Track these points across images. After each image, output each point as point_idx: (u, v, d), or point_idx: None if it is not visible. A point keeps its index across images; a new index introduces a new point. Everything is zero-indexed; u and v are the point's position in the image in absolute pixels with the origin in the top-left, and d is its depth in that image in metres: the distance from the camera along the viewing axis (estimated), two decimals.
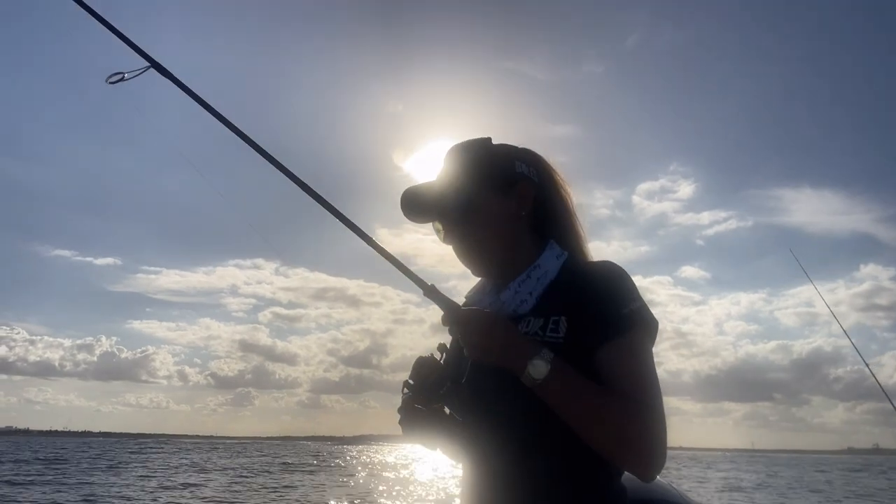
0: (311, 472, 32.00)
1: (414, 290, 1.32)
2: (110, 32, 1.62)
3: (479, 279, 1.47)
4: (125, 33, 1.63)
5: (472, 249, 1.39)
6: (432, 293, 1.31)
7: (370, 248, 1.37)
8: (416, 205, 1.40)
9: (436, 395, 1.34)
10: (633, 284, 1.29)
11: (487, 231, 1.36)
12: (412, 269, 1.35)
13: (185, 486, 22.24)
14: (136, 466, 32.96)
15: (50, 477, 24.72)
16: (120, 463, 36.14)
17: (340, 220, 1.40)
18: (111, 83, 1.60)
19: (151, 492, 20.08)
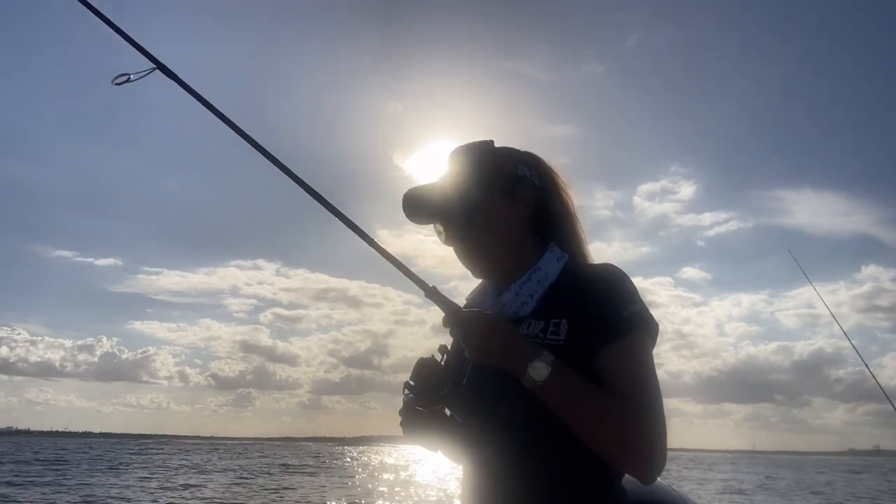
0: (311, 474, 31.99)
1: (415, 292, 1.32)
2: (114, 33, 1.62)
3: (479, 281, 1.47)
4: (128, 34, 1.63)
5: (473, 251, 1.39)
6: (434, 294, 1.31)
7: (372, 249, 1.37)
8: (418, 206, 1.40)
9: (437, 397, 1.34)
10: (634, 287, 1.29)
11: (489, 233, 1.37)
12: (413, 270, 1.35)
13: (186, 486, 22.25)
14: (136, 467, 32.97)
15: (50, 478, 24.73)
16: (120, 464, 36.15)
17: (343, 221, 1.40)
18: (117, 84, 1.61)
19: (151, 493, 20.09)
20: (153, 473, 28.59)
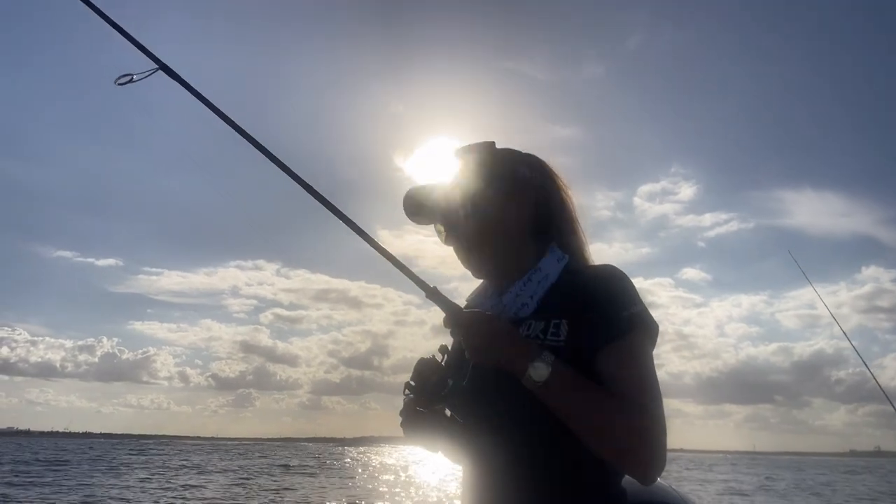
0: (311, 475, 31.99)
1: (415, 292, 1.32)
2: (115, 33, 1.63)
3: (480, 282, 1.47)
4: (131, 34, 1.63)
5: (474, 252, 1.39)
6: (434, 295, 1.31)
7: (372, 249, 1.38)
8: (419, 205, 1.41)
9: (437, 397, 1.34)
10: (634, 288, 1.29)
11: (490, 234, 1.37)
12: (413, 270, 1.35)
13: (186, 487, 22.25)
14: (137, 468, 32.98)
15: (50, 478, 24.73)
16: (121, 464, 36.16)
17: (345, 222, 1.40)
18: (120, 84, 1.61)
19: (152, 493, 20.09)
20: (153, 474, 28.61)
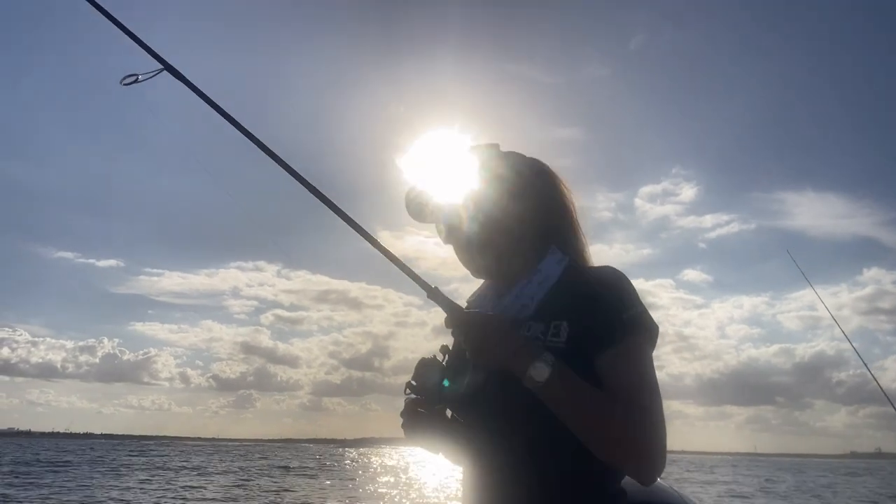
0: (311, 476, 31.97)
1: (416, 293, 1.32)
2: (121, 33, 1.64)
3: (480, 283, 1.48)
4: (136, 35, 1.64)
5: (475, 252, 1.40)
6: (436, 296, 1.32)
7: (373, 250, 1.38)
8: (422, 204, 1.41)
9: (438, 397, 1.35)
10: (634, 290, 1.30)
11: (492, 235, 1.38)
12: (414, 271, 1.36)
13: (186, 488, 22.26)
14: (137, 469, 32.99)
15: (50, 479, 24.74)
16: (121, 465, 36.17)
17: (348, 223, 1.41)
18: (125, 84, 1.62)
19: (152, 494, 20.09)
20: (154, 475, 28.61)
